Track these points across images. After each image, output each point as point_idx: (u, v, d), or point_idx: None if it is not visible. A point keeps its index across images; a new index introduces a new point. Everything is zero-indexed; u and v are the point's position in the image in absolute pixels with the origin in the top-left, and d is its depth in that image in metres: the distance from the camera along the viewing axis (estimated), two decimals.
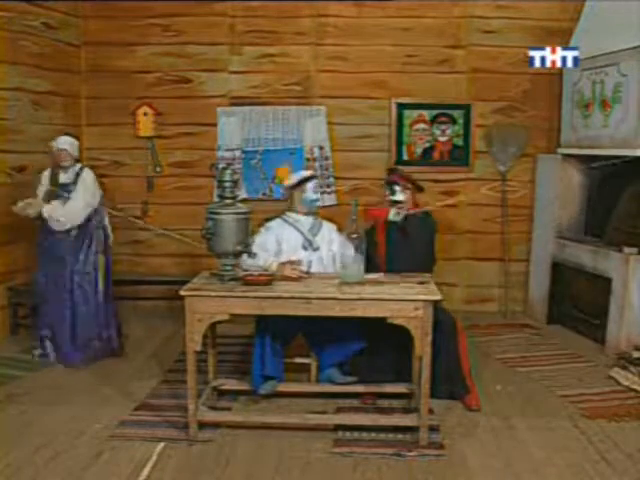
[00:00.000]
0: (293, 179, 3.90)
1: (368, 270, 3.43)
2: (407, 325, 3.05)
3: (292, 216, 3.89)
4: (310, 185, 3.86)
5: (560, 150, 5.27)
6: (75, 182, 4.30)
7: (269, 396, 3.62)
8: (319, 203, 3.99)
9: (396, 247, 3.84)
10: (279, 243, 3.78)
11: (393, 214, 3.77)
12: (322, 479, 2.88)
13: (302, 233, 3.83)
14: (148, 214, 5.73)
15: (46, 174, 4.36)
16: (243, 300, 3.12)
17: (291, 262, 3.54)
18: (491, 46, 5.54)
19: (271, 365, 3.53)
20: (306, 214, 3.89)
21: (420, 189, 4.05)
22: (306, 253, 3.79)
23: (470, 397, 3.62)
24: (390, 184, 3.96)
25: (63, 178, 4.32)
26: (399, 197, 3.91)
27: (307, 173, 4.01)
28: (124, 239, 5.83)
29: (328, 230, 3.94)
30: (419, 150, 5.69)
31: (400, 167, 4.51)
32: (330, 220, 4.07)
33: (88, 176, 4.38)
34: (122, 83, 5.67)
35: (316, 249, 3.82)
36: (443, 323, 3.56)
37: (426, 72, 5.58)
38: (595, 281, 4.73)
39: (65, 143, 4.33)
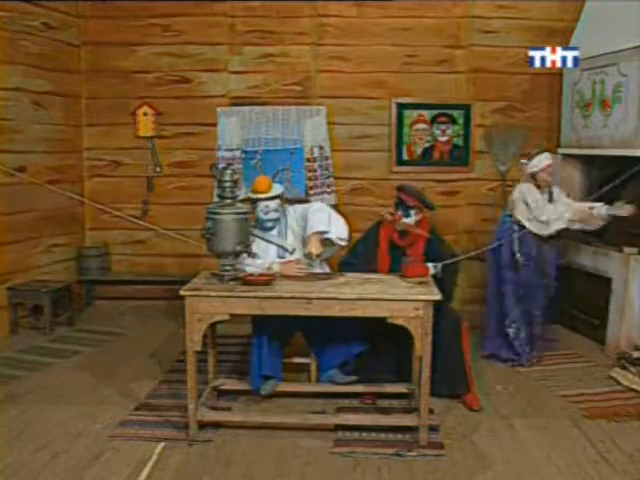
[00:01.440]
0: (253, 194, 3.72)
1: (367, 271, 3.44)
2: (407, 325, 3.05)
3: (257, 231, 3.72)
4: (262, 204, 3.67)
5: (560, 150, 5.27)
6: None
7: (269, 396, 3.62)
8: (270, 224, 3.73)
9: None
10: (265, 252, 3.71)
11: (432, 269, 3.63)
12: (322, 479, 2.88)
13: (272, 242, 3.75)
14: (148, 214, 5.73)
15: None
16: (243, 300, 3.12)
17: (295, 261, 3.54)
18: (491, 46, 5.55)
19: (269, 365, 3.53)
20: (268, 229, 3.76)
21: (432, 208, 3.91)
22: (284, 256, 3.73)
23: (471, 397, 3.63)
24: (404, 205, 3.81)
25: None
26: (412, 220, 3.81)
27: (264, 193, 3.69)
28: (124, 239, 5.85)
29: (294, 216, 3.77)
30: (419, 150, 5.69)
31: (409, 184, 4.12)
32: None
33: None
34: (122, 83, 5.67)
35: (292, 252, 3.73)
36: (448, 320, 3.57)
37: (426, 72, 5.58)
38: (595, 281, 4.73)
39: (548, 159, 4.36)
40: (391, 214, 3.87)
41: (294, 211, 3.82)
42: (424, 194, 3.95)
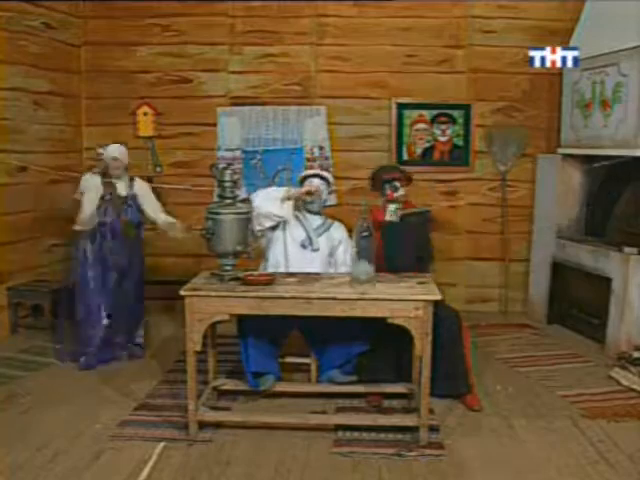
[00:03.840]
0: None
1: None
2: (407, 325, 3.05)
3: (302, 210, 3.90)
4: (307, 181, 3.88)
5: (560, 150, 5.27)
6: (134, 193, 4.37)
7: (269, 396, 3.62)
8: (314, 206, 3.89)
9: (392, 246, 3.78)
10: (284, 225, 3.81)
11: (389, 214, 3.74)
12: (322, 479, 2.88)
13: (306, 230, 3.83)
14: None
15: (96, 182, 4.30)
16: (243, 300, 3.12)
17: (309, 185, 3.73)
18: (491, 46, 5.54)
19: (258, 362, 3.53)
20: (314, 213, 3.90)
21: (410, 180, 4.04)
22: (304, 252, 3.79)
23: (471, 397, 3.63)
24: (389, 183, 3.92)
25: (120, 188, 4.33)
26: (403, 192, 3.92)
27: (311, 172, 3.99)
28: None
29: (336, 232, 3.93)
30: (419, 150, 5.70)
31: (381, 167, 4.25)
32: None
33: (144, 186, 4.47)
34: (122, 83, 5.67)
35: (315, 250, 3.81)
36: (447, 320, 3.56)
37: (426, 72, 5.58)
38: (595, 281, 4.73)
39: (116, 152, 4.33)
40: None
41: (336, 228, 3.94)
42: (399, 166, 4.08)
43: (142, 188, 4.45)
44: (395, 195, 3.90)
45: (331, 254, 3.89)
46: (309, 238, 3.81)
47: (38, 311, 4.98)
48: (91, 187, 4.28)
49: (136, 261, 4.41)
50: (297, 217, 3.87)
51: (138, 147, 5.71)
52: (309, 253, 3.80)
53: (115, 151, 4.33)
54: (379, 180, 3.98)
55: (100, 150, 4.43)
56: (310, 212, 3.90)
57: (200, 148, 5.69)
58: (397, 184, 3.91)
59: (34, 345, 4.65)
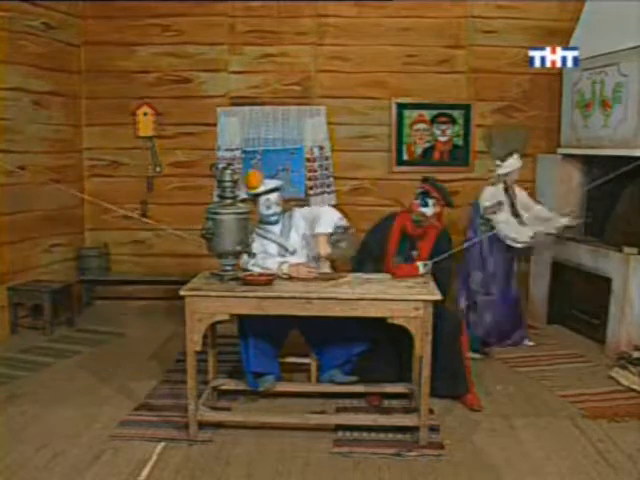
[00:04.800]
0: (259, 189, 3.67)
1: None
2: (407, 325, 3.05)
3: (260, 226, 3.74)
4: (263, 199, 3.66)
5: (560, 150, 5.27)
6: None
7: (269, 396, 3.62)
8: (274, 218, 3.73)
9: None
10: (265, 252, 3.68)
11: (422, 269, 3.54)
12: (322, 479, 2.88)
13: (274, 241, 3.72)
14: (147, 214, 5.73)
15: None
16: (243, 300, 3.12)
17: (305, 264, 3.49)
18: (491, 46, 5.55)
19: (258, 362, 3.52)
20: (272, 223, 3.75)
21: (450, 205, 3.87)
22: (286, 259, 3.67)
23: (471, 397, 3.63)
24: (424, 195, 3.80)
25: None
26: (429, 211, 3.78)
27: (263, 187, 3.66)
28: (124, 239, 5.85)
29: (300, 221, 3.77)
30: (419, 150, 5.70)
31: (433, 177, 4.03)
32: None
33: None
34: (122, 83, 5.68)
35: (293, 252, 3.70)
36: (447, 321, 3.56)
37: (426, 72, 5.59)
38: (595, 281, 4.73)
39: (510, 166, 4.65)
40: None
41: (300, 212, 3.82)
42: (447, 190, 3.90)
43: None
44: (421, 209, 3.77)
45: (308, 243, 3.74)
46: (281, 247, 3.72)
47: (38, 311, 4.98)
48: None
49: None
50: (259, 234, 3.69)
51: (138, 147, 5.73)
52: (290, 257, 3.69)
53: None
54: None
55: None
56: (269, 224, 3.75)
57: (200, 148, 5.69)
58: (429, 200, 3.78)
59: (34, 345, 4.65)
